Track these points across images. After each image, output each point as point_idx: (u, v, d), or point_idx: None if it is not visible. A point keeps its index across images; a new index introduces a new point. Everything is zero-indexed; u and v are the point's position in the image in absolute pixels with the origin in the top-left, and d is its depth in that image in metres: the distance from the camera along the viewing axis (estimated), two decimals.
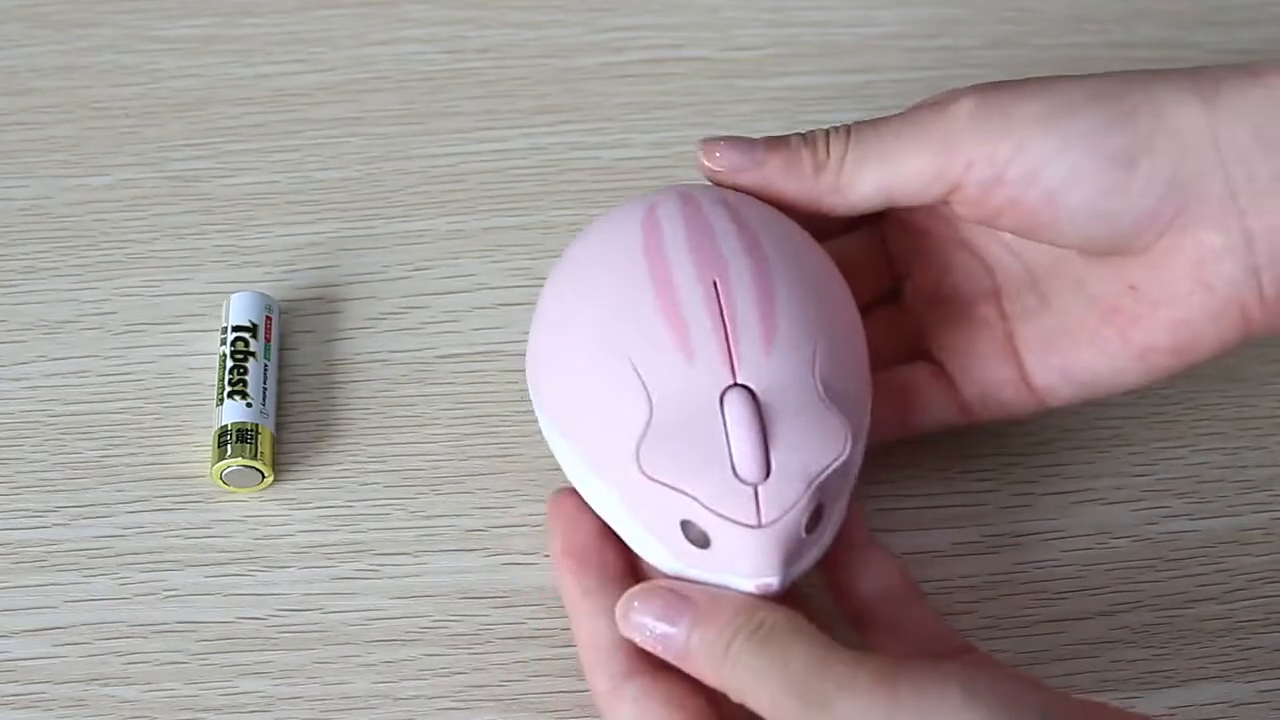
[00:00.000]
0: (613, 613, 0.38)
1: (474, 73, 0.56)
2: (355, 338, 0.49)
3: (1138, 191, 0.40)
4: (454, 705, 0.42)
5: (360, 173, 0.53)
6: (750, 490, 0.37)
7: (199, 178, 0.53)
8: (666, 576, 0.38)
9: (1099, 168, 0.40)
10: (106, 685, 0.43)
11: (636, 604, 0.38)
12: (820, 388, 0.38)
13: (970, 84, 0.42)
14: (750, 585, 0.37)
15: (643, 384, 0.38)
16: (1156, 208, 0.40)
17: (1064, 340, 0.43)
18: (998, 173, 0.40)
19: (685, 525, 0.37)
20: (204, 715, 0.42)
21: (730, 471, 0.37)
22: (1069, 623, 0.44)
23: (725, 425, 0.37)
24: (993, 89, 0.41)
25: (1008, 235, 0.44)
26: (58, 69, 0.55)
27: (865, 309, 0.46)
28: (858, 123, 0.42)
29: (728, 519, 0.37)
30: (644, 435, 0.37)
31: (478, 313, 0.50)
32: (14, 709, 0.42)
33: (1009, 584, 0.45)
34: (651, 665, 0.38)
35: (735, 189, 0.42)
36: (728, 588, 0.37)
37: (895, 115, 0.42)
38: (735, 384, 0.38)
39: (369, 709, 0.42)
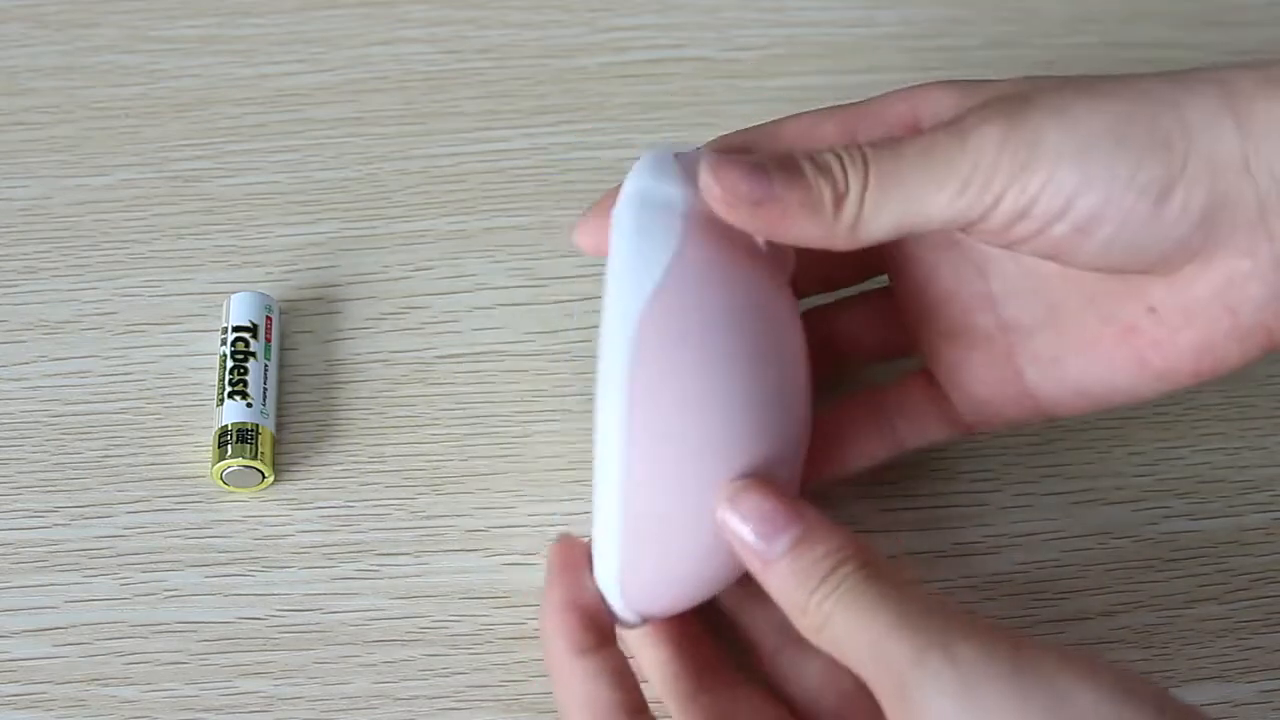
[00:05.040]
0: (611, 673, 0.37)
1: (474, 73, 0.56)
2: (355, 338, 0.49)
3: (1170, 222, 0.37)
4: (454, 705, 0.42)
5: (361, 173, 0.53)
6: None
7: (199, 178, 0.53)
8: None
9: (1132, 201, 0.37)
10: (107, 685, 0.43)
11: (744, 491, 0.36)
12: None
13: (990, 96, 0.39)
14: None
15: None
16: (1188, 237, 0.38)
17: (1074, 358, 0.41)
18: (1025, 207, 0.37)
19: None
20: (204, 715, 0.42)
21: None
22: (1070, 623, 0.44)
23: None
24: (1019, 112, 0.38)
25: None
26: (58, 69, 0.55)
27: (855, 296, 0.45)
28: (874, 147, 0.38)
29: None
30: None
31: (478, 313, 0.50)
32: (14, 709, 0.42)
33: (1010, 584, 0.45)
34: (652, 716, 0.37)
35: (739, 222, 0.38)
36: None
37: (914, 140, 0.38)
38: None
39: (369, 709, 0.42)
